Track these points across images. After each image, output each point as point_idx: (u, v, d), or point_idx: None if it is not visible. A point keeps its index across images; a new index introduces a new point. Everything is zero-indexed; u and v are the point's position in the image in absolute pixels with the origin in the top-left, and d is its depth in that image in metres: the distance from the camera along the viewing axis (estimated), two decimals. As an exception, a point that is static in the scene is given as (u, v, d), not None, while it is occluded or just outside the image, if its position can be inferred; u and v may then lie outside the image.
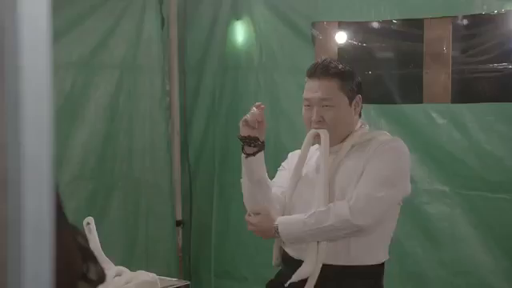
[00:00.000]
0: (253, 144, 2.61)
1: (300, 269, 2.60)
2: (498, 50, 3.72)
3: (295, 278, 2.60)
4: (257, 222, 2.74)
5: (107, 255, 3.27)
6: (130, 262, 3.74)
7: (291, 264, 2.68)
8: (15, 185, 0.65)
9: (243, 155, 2.65)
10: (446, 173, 3.65)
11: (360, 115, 2.78)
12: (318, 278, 2.57)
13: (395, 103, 3.85)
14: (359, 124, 2.74)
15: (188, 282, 3.38)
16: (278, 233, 2.65)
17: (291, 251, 2.70)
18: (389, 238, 2.69)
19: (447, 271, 3.62)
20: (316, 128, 2.65)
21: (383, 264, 2.67)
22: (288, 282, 2.61)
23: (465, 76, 3.89)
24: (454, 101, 3.74)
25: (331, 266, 2.59)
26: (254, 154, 2.62)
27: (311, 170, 2.74)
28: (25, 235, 0.66)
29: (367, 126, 2.78)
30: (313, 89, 2.66)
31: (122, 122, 4.35)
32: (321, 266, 2.56)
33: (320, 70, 2.66)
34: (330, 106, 2.64)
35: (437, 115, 3.70)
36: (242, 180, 2.76)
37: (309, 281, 2.56)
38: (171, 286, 3.27)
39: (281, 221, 2.65)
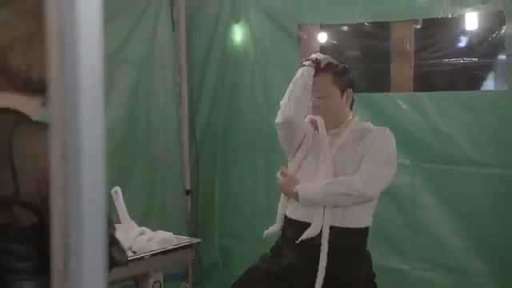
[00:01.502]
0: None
1: (309, 229, 2.72)
2: (452, 47, 3.82)
3: (304, 236, 2.72)
4: (283, 183, 2.82)
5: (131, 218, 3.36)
6: (148, 224, 3.75)
7: (294, 226, 2.82)
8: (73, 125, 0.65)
9: (306, 67, 2.76)
10: (408, 148, 3.67)
11: (351, 107, 2.90)
12: (320, 237, 2.71)
13: (367, 92, 3.90)
14: (350, 115, 2.86)
15: (199, 240, 3.46)
16: (297, 196, 2.75)
17: (294, 215, 2.83)
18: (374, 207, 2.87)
19: (411, 231, 3.69)
20: (312, 114, 2.78)
21: (368, 228, 2.85)
22: (299, 240, 2.73)
23: (425, 69, 3.94)
24: (416, 90, 3.84)
25: (334, 227, 2.72)
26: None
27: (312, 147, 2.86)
28: (82, 166, 0.65)
29: (357, 117, 2.92)
30: (314, 84, 2.77)
31: (140, 108, 4.38)
32: (327, 226, 2.71)
33: (317, 65, 2.77)
34: (323, 96, 2.76)
35: (401, 102, 3.79)
36: (289, 96, 2.80)
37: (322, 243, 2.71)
38: (186, 242, 3.38)
39: (301, 187, 2.75)
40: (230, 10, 4.45)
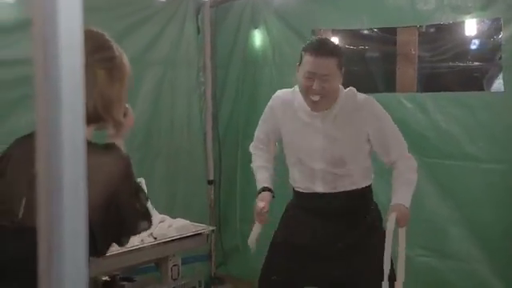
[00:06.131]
0: None
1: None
2: (453, 51, 4.06)
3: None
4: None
5: (154, 207, 3.53)
6: (171, 212, 4.01)
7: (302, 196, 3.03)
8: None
9: None
10: (411, 144, 3.38)
11: None
12: (335, 202, 2.88)
13: (374, 92, 3.90)
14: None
15: (214, 228, 3.64)
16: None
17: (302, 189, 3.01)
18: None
19: (413, 219, 3.48)
20: (316, 94, 2.77)
21: (370, 185, 3.02)
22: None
23: (427, 71, 4.19)
24: (419, 90, 4.06)
25: (343, 192, 2.91)
26: None
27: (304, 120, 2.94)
28: (64, 166, 0.65)
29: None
30: (317, 64, 2.76)
31: (164, 104, 4.62)
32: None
33: (324, 50, 2.78)
34: (329, 79, 2.76)
35: (406, 101, 3.99)
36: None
37: None
38: (202, 229, 3.58)
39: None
40: (250, 17, 4.74)
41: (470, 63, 4.06)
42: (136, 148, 4.41)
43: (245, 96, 4.85)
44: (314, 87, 2.78)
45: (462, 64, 4.06)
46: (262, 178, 3.10)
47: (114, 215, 1.73)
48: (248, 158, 4.43)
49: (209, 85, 4.95)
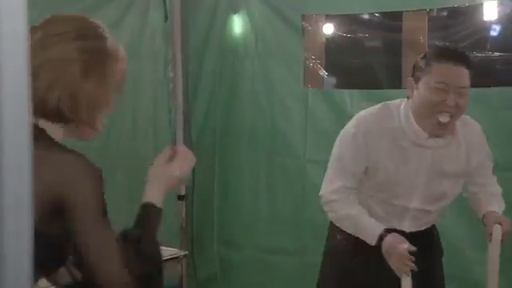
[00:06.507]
0: None
1: None
2: (469, 39, 3.85)
3: None
4: None
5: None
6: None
7: None
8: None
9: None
10: None
11: None
12: (419, 241, 2.68)
13: (377, 88, 3.96)
14: None
15: (185, 252, 3.55)
16: None
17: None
18: None
19: None
20: (447, 112, 2.52)
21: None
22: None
23: None
24: None
25: (426, 229, 2.80)
26: None
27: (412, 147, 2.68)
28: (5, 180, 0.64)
29: None
30: (455, 74, 2.53)
31: (125, 103, 4.32)
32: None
33: (462, 57, 2.57)
34: (464, 94, 2.53)
35: None
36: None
37: None
38: (171, 255, 3.44)
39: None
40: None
41: (489, 53, 3.79)
42: (90, 156, 4.04)
43: (222, 93, 4.60)
44: (447, 102, 2.48)
45: (479, 55, 3.75)
46: (371, 221, 2.70)
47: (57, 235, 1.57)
48: (226, 167, 4.57)
49: (179, 80, 4.59)
